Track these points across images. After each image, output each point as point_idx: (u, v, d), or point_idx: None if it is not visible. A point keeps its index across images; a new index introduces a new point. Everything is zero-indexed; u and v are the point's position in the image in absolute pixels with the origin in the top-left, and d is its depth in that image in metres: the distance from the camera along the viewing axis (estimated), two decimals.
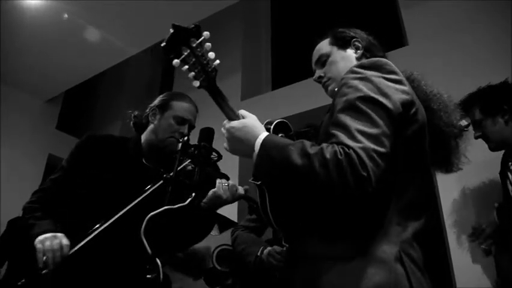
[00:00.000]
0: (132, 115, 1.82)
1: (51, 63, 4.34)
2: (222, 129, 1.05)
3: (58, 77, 4.64)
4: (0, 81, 4.48)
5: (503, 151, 2.08)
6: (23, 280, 1.33)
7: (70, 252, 1.37)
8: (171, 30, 0.89)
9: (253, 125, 1.00)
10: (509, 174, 1.99)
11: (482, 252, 2.05)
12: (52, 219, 1.51)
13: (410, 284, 0.83)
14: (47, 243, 1.36)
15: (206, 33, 0.92)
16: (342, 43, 1.26)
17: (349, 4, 4.13)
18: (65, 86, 4.84)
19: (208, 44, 0.93)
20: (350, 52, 1.24)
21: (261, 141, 0.94)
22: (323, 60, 1.27)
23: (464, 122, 1.96)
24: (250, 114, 1.05)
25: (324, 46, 1.29)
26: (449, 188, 2.56)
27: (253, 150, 0.95)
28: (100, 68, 4.47)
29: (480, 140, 2.10)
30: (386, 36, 3.53)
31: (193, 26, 0.91)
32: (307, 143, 0.86)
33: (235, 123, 1.01)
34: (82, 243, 1.39)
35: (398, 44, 3.39)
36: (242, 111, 1.05)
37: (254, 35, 4.77)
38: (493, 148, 2.06)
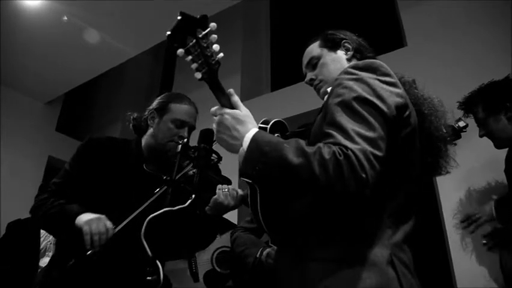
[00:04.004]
0: (131, 117, 1.79)
1: (51, 65, 4.35)
2: (214, 118, 1.00)
3: (58, 79, 4.64)
4: (0, 83, 4.48)
5: (507, 149, 2.07)
6: (72, 261, 1.37)
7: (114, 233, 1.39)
8: (178, 17, 0.85)
9: (244, 119, 0.96)
10: None
11: (483, 247, 2.06)
12: (77, 203, 1.51)
13: (401, 287, 0.83)
14: (94, 225, 1.36)
15: (213, 25, 0.89)
16: (332, 45, 1.27)
17: (348, 5, 4.13)
18: (65, 88, 4.85)
19: (213, 36, 0.90)
20: (340, 54, 1.25)
21: (251, 136, 0.90)
22: (314, 63, 1.27)
23: (462, 123, 1.96)
24: (245, 108, 1.00)
25: (314, 49, 1.29)
26: (452, 189, 2.55)
27: (241, 145, 0.92)
28: (99, 70, 4.47)
29: (483, 140, 2.09)
30: (385, 37, 3.57)
31: (200, 15, 0.88)
32: (302, 142, 0.84)
33: (228, 111, 0.97)
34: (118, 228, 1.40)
35: (397, 44, 3.40)
36: (238, 101, 1.00)
37: (254, 36, 4.78)
38: (498, 146, 2.05)
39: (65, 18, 3.72)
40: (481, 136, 2.07)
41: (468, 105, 2.08)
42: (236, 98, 1.00)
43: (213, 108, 1.00)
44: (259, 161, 0.86)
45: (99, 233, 1.35)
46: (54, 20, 3.75)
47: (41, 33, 3.90)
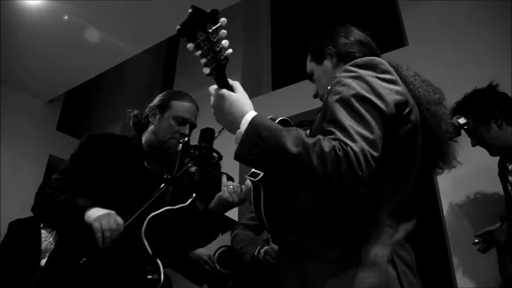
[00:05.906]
0: (132, 114, 1.79)
1: (52, 64, 4.35)
2: (210, 94, 0.98)
3: (59, 78, 4.64)
4: (0, 81, 4.48)
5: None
6: (84, 259, 1.32)
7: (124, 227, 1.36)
8: (190, 11, 0.84)
9: (240, 101, 0.95)
10: (508, 176, 1.97)
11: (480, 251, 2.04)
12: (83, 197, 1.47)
13: (401, 286, 0.83)
14: (104, 221, 1.33)
15: (223, 20, 0.87)
16: (319, 56, 1.25)
17: (349, 4, 4.13)
18: (65, 87, 4.85)
19: (223, 31, 0.88)
20: (327, 63, 1.23)
21: (249, 119, 0.89)
22: (312, 79, 1.29)
23: (462, 120, 1.95)
24: (241, 90, 0.98)
25: (308, 64, 1.31)
26: (450, 190, 2.55)
27: (237, 128, 0.90)
28: (100, 69, 4.47)
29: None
30: (386, 36, 3.56)
31: (210, 10, 0.87)
32: (302, 132, 0.84)
33: (224, 92, 0.95)
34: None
35: (398, 44, 3.40)
36: (234, 83, 0.98)
37: (254, 36, 4.77)
38: (493, 153, 2.05)
39: (66, 17, 3.72)
40: (473, 145, 2.06)
41: (456, 115, 2.05)
42: (234, 82, 0.99)
43: (212, 87, 0.99)
44: (256, 144, 0.84)
45: (110, 229, 1.32)
46: (55, 19, 3.75)
47: (42, 32, 3.90)
